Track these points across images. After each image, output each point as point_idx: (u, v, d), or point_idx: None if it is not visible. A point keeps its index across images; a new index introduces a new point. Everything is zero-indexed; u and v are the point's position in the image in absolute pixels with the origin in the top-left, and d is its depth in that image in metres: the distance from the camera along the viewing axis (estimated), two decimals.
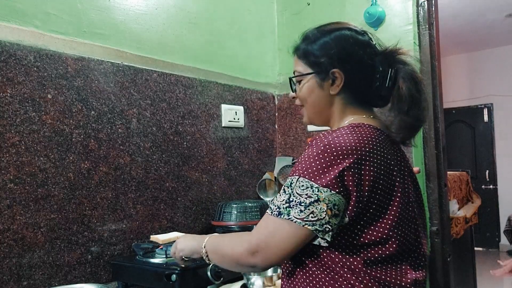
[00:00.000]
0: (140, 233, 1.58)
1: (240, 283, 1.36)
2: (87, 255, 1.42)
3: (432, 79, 1.82)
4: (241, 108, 2.04)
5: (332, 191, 0.84)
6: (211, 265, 1.31)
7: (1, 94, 1.25)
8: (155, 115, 1.67)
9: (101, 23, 1.52)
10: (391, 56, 1.00)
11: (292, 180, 0.88)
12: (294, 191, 0.87)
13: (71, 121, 1.41)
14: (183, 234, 1.47)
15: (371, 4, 1.92)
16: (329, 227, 0.85)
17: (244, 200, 1.99)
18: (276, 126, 2.27)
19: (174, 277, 1.23)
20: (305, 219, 0.85)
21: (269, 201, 1.96)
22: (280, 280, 1.31)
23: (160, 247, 1.44)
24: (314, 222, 0.85)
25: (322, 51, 1.01)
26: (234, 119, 2.00)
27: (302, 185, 0.86)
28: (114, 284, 1.44)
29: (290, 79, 1.08)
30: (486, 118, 6.50)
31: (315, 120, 1.08)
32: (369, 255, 0.88)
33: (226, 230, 1.72)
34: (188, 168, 1.77)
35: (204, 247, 1.02)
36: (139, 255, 1.41)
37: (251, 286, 1.31)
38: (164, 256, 1.38)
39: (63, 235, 1.36)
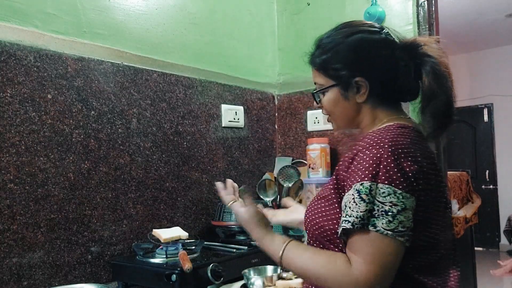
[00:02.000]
0: (140, 233, 1.58)
1: (240, 283, 1.36)
2: (87, 255, 1.42)
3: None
4: (241, 108, 2.04)
5: (411, 196, 0.81)
6: (211, 265, 1.31)
7: (1, 94, 1.25)
8: (155, 115, 1.67)
9: (101, 23, 1.52)
10: (412, 49, 0.96)
11: (367, 186, 0.81)
12: (375, 199, 0.80)
13: (71, 121, 1.41)
14: (185, 233, 1.48)
15: (371, 4, 1.92)
16: (411, 234, 0.81)
17: None
18: (276, 126, 2.27)
19: (174, 277, 1.23)
20: (396, 231, 0.78)
21: (269, 201, 1.96)
22: (280, 280, 1.31)
23: (160, 247, 1.44)
24: (404, 233, 0.79)
25: (340, 61, 0.98)
26: (234, 119, 2.00)
27: (383, 192, 0.80)
28: (114, 284, 1.44)
29: (313, 93, 1.06)
30: (486, 118, 6.50)
31: (344, 127, 1.07)
32: (419, 259, 0.86)
33: (226, 230, 1.73)
34: (188, 168, 1.77)
35: (281, 257, 0.94)
36: (139, 255, 1.41)
37: (251, 286, 1.31)
38: (164, 256, 1.38)
39: (63, 235, 1.36)
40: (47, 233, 1.32)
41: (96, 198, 1.45)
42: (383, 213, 0.79)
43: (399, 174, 0.80)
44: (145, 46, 1.66)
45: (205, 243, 1.55)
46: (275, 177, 2.12)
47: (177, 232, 1.49)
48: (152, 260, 1.37)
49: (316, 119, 2.12)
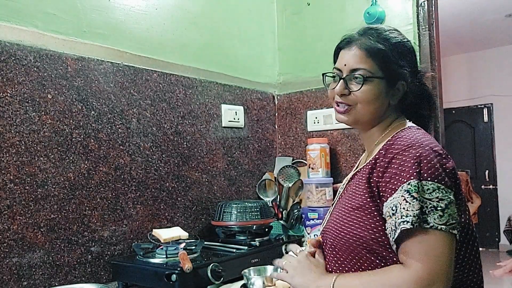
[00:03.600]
0: (140, 233, 1.58)
1: (240, 283, 1.36)
2: (87, 255, 1.42)
3: (432, 79, 1.82)
4: (241, 108, 2.04)
5: (452, 191, 0.84)
6: (211, 265, 1.31)
7: (1, 94, 1.25)
8: (155, 115, 1.67)
9: (101, 23, 1.52)
10: (421, 75, 1.06)
11: (415, 184, 0.81)
12: (423, 197, 0.81)
13: (71, 121, 1.41)
14: (186, 233, 1.48)
15: (371, 4, 1.92)
16: (459, 227, 0.83)
17: (244, 200, 1.99)
18: (276, 126, 2.27)
19: (174, 277, 1.23)
20: (448, 224, 0.80)
21: (269, 201, 1.96)
22: (280, 280, 1.31)
23: (160, 247, 1.44)
24: (454, 225, 0.81)
25: (400, 58, 0.98)
26: (234, 119, 2.00)
27: (428, 188, 0.82)
28: (114, 284, 1.44)
29: (353, 71, 0.96)
30: (486, 118, 6.50)
31: (362, 122, 1.02)
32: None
33: (226, 230, 1.73)
34: (188, 168, 1.77)
35: None
36: (139, 255, 1.41)
37: (251, 286, 1.31)
38: (164, 256, 1.38)
39: (63, 235, 1.36)
40: (47, 233, 1.32)
41: (96, 198, 1.45)
42: (432, 209, 0.81)
43: (440, 170, 0.83)
44: (145, 46, 1.66)
45: (205, 243, 1.55)
46: (275, 177, 2.12)
47: (177, 232, 1.49)
48: (152, 260, 1.37)
49: (316, 119, 2.12)
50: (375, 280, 0.84)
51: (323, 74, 1.07)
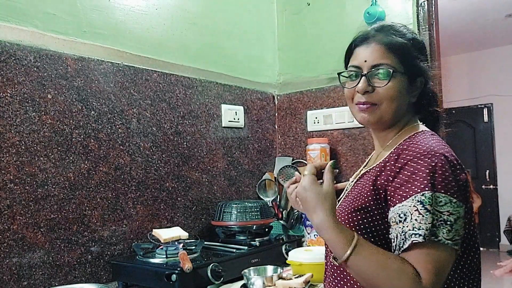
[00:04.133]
0: (140, 233, 1.58)
1: (240, 283, 1.36)
2: (87, 255, 1.42)
3: (432, 79, 1.82)
4: (241, 108, 2.04)
5: (463, 205, 0.82)
6: (211, 265, 1.31)
7: (1, 94, 1.25)
8: (155, 115, 1.67)
9: (101, 23, 1.52)
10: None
11: (429, 196, 0.79)
12: (435, 209, 0.79)
13: (71, 121, 1.41)
14: (186, 233, 1.48)
15: (371, 4, 1.92)
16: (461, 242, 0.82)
17: (244, 200, 1.99)
18: (276, 126, 2.27)
19: (174, 277, 1.23)
20: (453, 240, 0.79)
21: (269, 201, 1.96)
22: (280, 280, 1.31)
23: (160, 247, 1.44)
24: (458, 241, 0.80)
25: (421, 53, 0.98)
26: (234, 119, 2.00)
27: (441, 201, 0.80)
28: (114, 284, 1.44)
29: (377, 66, 0.93)
30: (486, 118, 6.50)
31: (384, 121, 0.98)
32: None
33: (226, 230, 1.73)
34: (188, 168, 1.77)
35: (347, 258, 0.81)
36: (139, 255, 1.41)
37: (251, 286, 1.31)
38: (164, 256, 1.38)
39: (63, 235, 1.36)
40: (47, 233, 1.32)
41: (96, 198, 1.45)
42: (442, 222, 0.79)
43: (453, 183, 0.82)
44: (145, 46, 1.66)
45: (205, 243, 1.55)
46: (275, 177, 2.12)
47: (177, 232, 1.49)
48: (152, 260, 1.37)
49: (316, 119, 2.12)
50: (393, 268, 0.79)
51: (338, 74, 1.02)
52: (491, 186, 6.38)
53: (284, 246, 1.65)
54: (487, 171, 6.43)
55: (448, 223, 0.79)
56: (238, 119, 2.02)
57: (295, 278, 1.33)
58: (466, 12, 4.98)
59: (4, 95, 1.26)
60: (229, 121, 1.97)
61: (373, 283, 0.80)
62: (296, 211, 1.95)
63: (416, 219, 0.79)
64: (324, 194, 0.86)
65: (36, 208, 1.30)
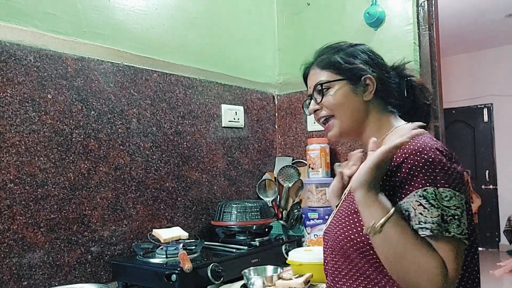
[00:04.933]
0: (140, 233, 1.58)
1: (240, 283, 1.37)
2: (87, 255, 1.42)
3: (432, 80, 1.82)
4: (241, 108, 2.04)
5: (465, 197, 0.84)
6: (211, 265, 1.31)
7: (1, 94, 1.25)
8: (155, 115, 1.67)
9: (101, 23, 1.52)
10: (400, 70, 1.08)
11: (432, 191, 0.80)
12: (442, 204, 0.80)
13: (71, 121, 1.41)
14: (186, 233, 1.48)
15: (371, 4, 1.92)
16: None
17: (244, 200, 1.99)
18: (276, 126, 2.27)
19: (174, 277, 1.23)
20: (463, 233, 0.80)
21: (269, 201, 1.96)
22: (280, 280, 1.31)
23: (160, 247, 1.44)
24: (467, 234, 0.81)
25: (351, 58, 1.02)
26: (234, 119, 2.00)
27: (446, 196, 0.80)
28: (114, 284, 1.44)
29: (315, 87, 1.03)
30: (486, 118, 6.50)
31: (348, 130, 1.03)
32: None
33: (226, 230, 1.73)
34: (188, 168, 1.77)
35: (382, 224, 0.81)
36: (139, 255, 1.41)
37: (251, 286, 1.31)
38: (164, 256, 1.38)
39: (63, 235, 1.36)
40: (47, 233, 1.32)
41: (96, 198, 1.45)
42: (451, 217, 0.80)
43: (454, 176, 0.83)
44: (145, 46, 1.66)
45: (205, 243, 1.55)
46: (275, 177, 2.12)
47: (177, 232, 1.49)
48: (152, 260, 1.37)
49: None
50: (422, 248, 0.79)
51: (302, 105, 1.14)
52: (491, 186, 6.39)
53: (284, 246, 1.65)
54: (487, 171, 6.43)
55: (456, 217, 0.80)
56: (238, 119, 2.02)
57: (295, 278, 1.33)
58: (466, 12, 4.98)
59: (4, 95, 1.26)
60: (229, 121, 1.97)
61: (399, 260, 0.80)
62: (296, 211, 1.95)
63: (421, 213, 0.80)
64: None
65: (36, 208, 1.30)
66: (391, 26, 1.89)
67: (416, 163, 0.83)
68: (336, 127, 1.03)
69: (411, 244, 0.79)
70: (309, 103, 1.08)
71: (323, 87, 1.02)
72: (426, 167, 0.82)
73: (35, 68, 1.33)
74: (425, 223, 0.79)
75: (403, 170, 0.85)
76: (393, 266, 0.82)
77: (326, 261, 1.02)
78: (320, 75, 1.04)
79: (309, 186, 1.92)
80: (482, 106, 6.50)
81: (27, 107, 1.30)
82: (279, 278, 1.34)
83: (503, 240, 5.95)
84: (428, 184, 0.81)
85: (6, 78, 1.26)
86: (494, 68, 6.38)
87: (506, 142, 6.28)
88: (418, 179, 0.82)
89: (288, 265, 1.46)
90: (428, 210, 0.79)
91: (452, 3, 4.61)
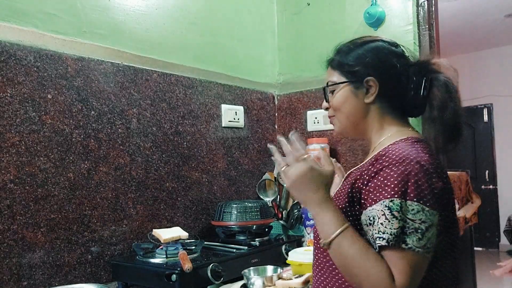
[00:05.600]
0: (140, 233, 1.58)
1: (240, 283, 1.37)
2: (87, 255, 1.42)
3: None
4: (241, 108, 2.04)
5: (437, 213, 0.83)
6: (211, 265, 1.31)
7: (1, 94, 1.25)
8: (155, 115, 1.67)
9: (101, 23, 1.52)
10: (425, 66, 1.01)
11: (398, 203, 0.81)
12: (406, 216, 0.81)
13: (71, 121, 1.41)
14: (186, 233, 1.48)
15: (371, 4, 1.92)
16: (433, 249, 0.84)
17: (244, 200, 1.99)
18: (276, 126, 2.27)
19: (174, 277, 1.23)
20: (425, 247, 0.80)
21: (269, 201, 1.96)
22: (280, 280, 1.31)
23: (160, 247, 1.44)
24: (430, 249, 0.82)
25: (356, 60, 1.02)
26: (234, 119, 2.00)
27: (413, 209, 0.81)
28: (114, 284, 1.44)
29: (324, 88, 1.07)
30: (486, 118, 6.50)
31: (348, 130, 1.06)
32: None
33: (226, 230, 1.73)
34: (188, 168, 1.77)
35: (332, 239, 0.84)
36: (139, 255, 1.41)
37: (251, 286, 1.31)
38: (164, 256, 1.38)
39: (63, 235, 1.36)
40: (47, 233, 1.32)
41: (96, 198, 1.45)
42: (413, 230, 0.80)
43: (426, 192, 0.82)
44: (145, 46, 1.66)
45: (205, 243, 1.55)
46: (275, 177, 2.12)
47: (177, 232, 1.49)
48: (152, 260, 1.37)
49: (316, 119, 2.12)
50: (370, 259, 0.82)
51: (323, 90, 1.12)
52: (491, 186, 6.38)
53: (284, 246, 1.65)
54: (487, 171, 6.43)
55: (419, 231, 0.80)
56: (238, 119, 2.02)
57: (295, 278, 1.33)
58: (466, 12, 4.98)
59: (4, 95, 1.26)
60: (229, 121, 1.97)
61: (352, 270, 0.84)
62: (296, 211, 1.95)
63: (382, 223, 0.81)
64: (326, 173, 0.91)
65: (36, 208, 1.30)
66: (391, 26, 1.89)
67: (392, 173, 0.84)
68: (335, 126, 1.09)
69: (364, 254, 0.82)
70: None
71: (330, 89, 1.06)
72: (399, 178, 0.83)
73: (35, 68, 1.33)
74: (383, 233, 0.81)
75: (379, 177, 0.86)
76: (346, 274, 0.86)
77: (315, 255, 1.04)
78: (332, 75, 1.06)
79: None
80: (482, 106, 6.50)
81: (27, 107, 1.30)
82: (279, 278, 1.34)
83: (503, 240, 5.94)
84: (396, 196, 0.81)
85: (6, 78, 1.26)
86: (494, 68, 6.37)
87: (506, 142, 6.28)
88: (389, 189, 0.83)
89: (288, 265, 1.46)
90: (389, 221, 0.81)
91: (452, 3, 4.61)
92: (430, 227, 0.81)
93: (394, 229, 0.80)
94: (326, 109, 1.09)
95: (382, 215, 0.82)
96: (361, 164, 1.01)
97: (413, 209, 0.81)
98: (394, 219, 0.80)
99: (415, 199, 0.81)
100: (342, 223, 0.85)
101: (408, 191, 0.82)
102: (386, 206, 0.82)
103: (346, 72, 1.03)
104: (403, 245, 0.80)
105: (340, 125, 1.06)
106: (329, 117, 1.10)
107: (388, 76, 1.00)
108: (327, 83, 1.07)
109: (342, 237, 0.84)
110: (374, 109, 1.02)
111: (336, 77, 1.05)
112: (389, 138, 0.99)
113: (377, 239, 0.82)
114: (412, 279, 0.80)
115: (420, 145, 0.92)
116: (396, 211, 0.81)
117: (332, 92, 1.05)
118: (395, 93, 1.01)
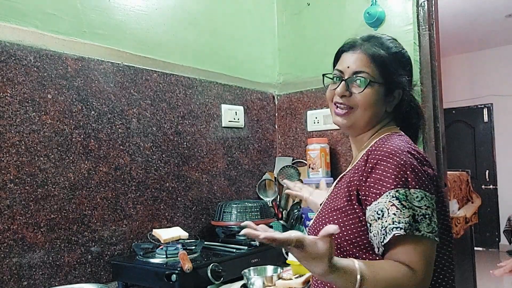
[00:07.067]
0: (140, 233, 1.58)
1: (240, 283, 1.37)
2: (87, 255, 1.42)
3: (432, 80, 1.82)
4: (241, 108, 2.04)
5: (435, 197, 0.88)
6: (211, 265, 1.31)
7: (1, 94, 1.25)
8: (155, 115, 1.67)
9: (101, 23, 1.52)
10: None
11: (403, 192, 0.84)
12: (413, 204, 0.84)
13: (71, 121, 1.41)
14: (185, 233, 1.48)
15: (371, 4, 1.92)
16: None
17: (244, 200, 1.99)
18: (276, 126, 2.27)
19: (174, 277, 1.23)
20: (433, 231, 0.83)
21: (269, 201, 1.96)
22: (280, 280, 1.31)
23: (160, 247, 1.44)
24: (437, 232, 0.85)
25: (399, 67, 1.03)
26: (234, 119, 2.00)
27: (417, 196, 0.84)
28: (114, 284, 1.44)
29: (355, 73, 0.99)
30: (486, 118, 6.50)
31: (359, 128, 1.04)
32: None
33: (226, 230, 1.73)
34: (188, 168, 1.77)
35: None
36: (139, 255, 1.41)
37: (251, 286, 1.31)
38: (164, 256, 1.38)
39: (63, 235, 1.36)
40: (47, 233, 1.32)
41: (96, 198, 1.45)
42: (422, 217, 0.83)
43: (424, 178, 0.87)
44: (145, 46, 1.66)
45: (205, 243, 1.55)
46: (275, 177, 2.12)
47: (177, 232, 1.49)
48: (152, 260, 1.37)
49: (316, 119, 2.12)
50: (394, 276, 0.80)
51: (323, 75, 1.09)
52: (491, 186, 6.38)
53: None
54: (487, 171, 6.43)
55: (427, 216, 0.84)
56: (238, 119, 2.02)
57: (295, 278, 1.33)
58: (466, 12, 4.98)
59: (4, 95, 1.26)
60: (229, 121, 1.97)
61: None
62: (296, 211, 1.95)
63: (394, 213, 0.83)
64: (320, 252, 0.76)
65: (36, 208, 1.30)
66: (391, 26, 1.89)
67: (389, 165, 0.87)
68: (350, 120, 1.03)
69: (386, 278, 0.80)
70: (337, 82, 1.03)
71: (369, 82, 0.98)
72: (397, 169, 0.86)
73: (35, 68, 1.33)
74: (399, 223, 0.82)
75: (377, 171, 0.88)
76: None
77: None
78: (367, 65, 0.99)
79: (309, 186, 1.92)
80: (482, 106, 6.49)
81: (27, 107, 1.30)
82: (279, 278, 1.34)
83: (503, 240, 5.94)
84: (399, 186, 0.84)
85: (6, 78, 1.26)
86: (494, 68, 6.37)
87: (506, 142, 6.27)
88: (390, 181, 0.85)
89: (288, 265, 1.46)
90: (401, 211, 0.82)
91: (452, 3, 4.61)
92: (433, 211, 0.85)
93: (407, 217, 0.82)
94: (342, 96, 1.01)
95: (392, 205, 0.83)
96: (352, 165, 1.03)
97: (417, 196, 0.84)
98: (404, 208, 0.83)
99: (417, 186, 0.85)
100: (355, 278, 0.78)
101: (409, 179, 0.85)
102: (393, 196, 0.84)
103: (385, 74, 1.00)
104: (417, 233, 0.82)
105: (355, 121, 1.02)
106: (341, 104, 1.02)
107: (409, 90, 1.05)
108: (359, 72, 0.99)
109: (364, 286, 0.78)
110: (387, 117, 1.05)
111: (373, 71, 0.99)
112: (378, 135, 1.03)
113: (393, 229, 0.82)
114: (429, 264, 0.83)
115: (404, 137, 0.98)
116: (404, 200, 0.83)
117: (358, 81, 0.99)
118: (404, 105, 1.05)
